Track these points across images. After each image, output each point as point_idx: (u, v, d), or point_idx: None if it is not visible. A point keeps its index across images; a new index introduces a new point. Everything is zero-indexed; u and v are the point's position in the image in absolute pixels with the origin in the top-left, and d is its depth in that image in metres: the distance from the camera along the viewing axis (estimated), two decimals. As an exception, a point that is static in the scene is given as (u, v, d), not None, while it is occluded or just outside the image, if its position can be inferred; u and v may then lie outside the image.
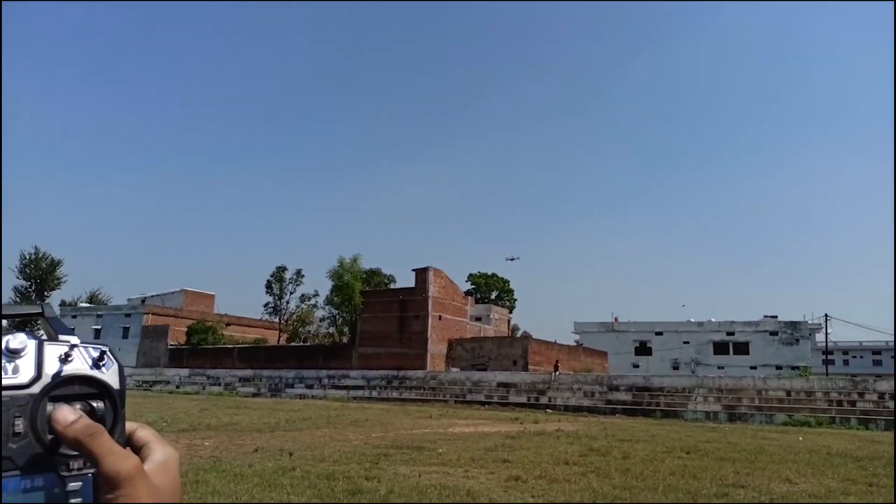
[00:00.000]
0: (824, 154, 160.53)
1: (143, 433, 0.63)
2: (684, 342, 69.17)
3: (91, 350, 0.61)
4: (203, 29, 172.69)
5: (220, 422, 21.82)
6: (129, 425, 0.62)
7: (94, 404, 0.59)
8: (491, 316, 63.25)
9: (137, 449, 0.62)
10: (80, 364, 0.59)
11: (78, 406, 0.58)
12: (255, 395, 47.11)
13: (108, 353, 0.62)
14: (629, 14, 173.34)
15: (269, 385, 49.58)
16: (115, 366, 0.61)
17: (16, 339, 0.57)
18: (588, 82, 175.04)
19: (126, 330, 64.94)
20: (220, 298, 79.56)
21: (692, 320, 71.06)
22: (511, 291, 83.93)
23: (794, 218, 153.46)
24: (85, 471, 0.56)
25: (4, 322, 0.63)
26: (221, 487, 9.19)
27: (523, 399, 38.62)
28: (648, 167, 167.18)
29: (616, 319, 73.90)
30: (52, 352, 0.58)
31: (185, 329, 63.06)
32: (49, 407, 0.56)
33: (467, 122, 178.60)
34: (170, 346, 61.51)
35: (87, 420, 0.56)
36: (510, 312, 74.42)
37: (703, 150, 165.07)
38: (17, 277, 77.87)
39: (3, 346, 0.56)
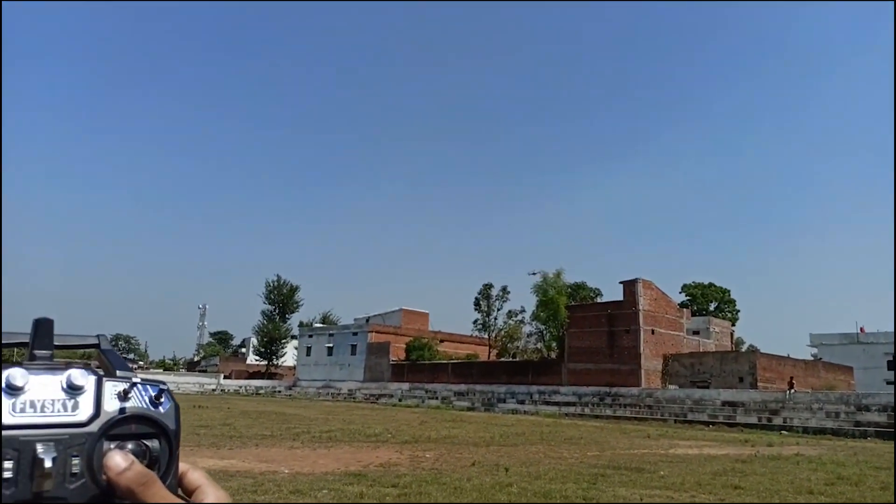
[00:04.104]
0: None
1: (195, 475, 0.62)
2: (953, 354, 58.36)
3: (149, 388, 0.59)
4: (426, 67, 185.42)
5: (438, 434, 22.78)
6: (182, 466, 0.61)
7: (149, 444, 0.58)
8: (710, 329, 58.88)
9: (189, 491, 0.61)
10: (138, 402, 0.58)
11: (131, 446, 0.56)
12: (469, 409, 48.59)
13: (167, 391, 0.60)
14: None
15: (482, 399, 50.87)
16: (172, 405, 0.60)
17: (78, 375, 0.55)
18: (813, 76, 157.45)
19: (354, 347, 70.71)
20: (434, 316, 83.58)
21: (963, 328, 59.71)
22: (732, 302, 77.48)
23: None
24: None
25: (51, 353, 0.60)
26: (443, 500, 9.52)
27: (753, 419, 35.25)
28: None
29: (862, 330, 64.66)
30: (111, 389, 0.57)
31: (404, 345, 67.14)
32: (106, 446, 0.55)
33: (680, 116, 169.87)
34: (391, 362, 65.84)
35: (139, 467, 0.55)
36: (733, 325, 68.62)
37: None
38: (264, 302, 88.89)
39: (66, 381, 0.54)
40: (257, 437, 19.98)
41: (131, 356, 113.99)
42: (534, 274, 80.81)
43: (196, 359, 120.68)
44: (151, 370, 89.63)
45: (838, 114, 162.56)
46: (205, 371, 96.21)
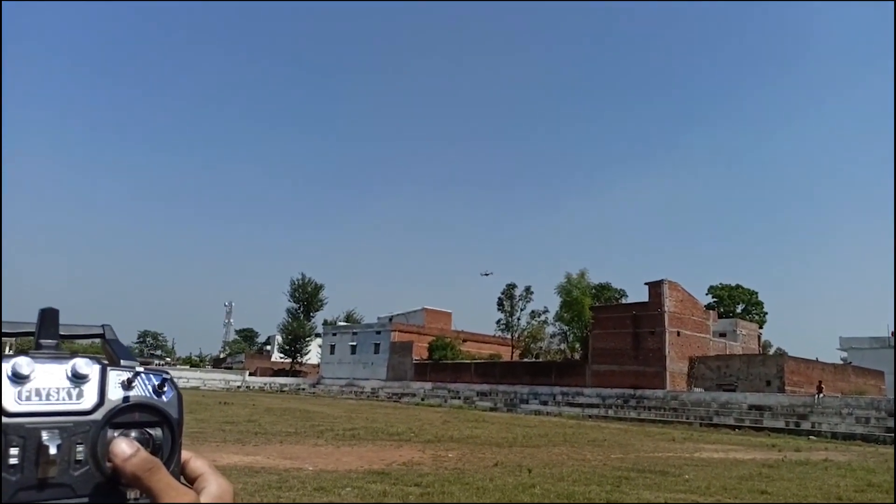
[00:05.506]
0: None
1: (197, 463, 0.63)
2: None
3: (153, 377, 0.60)
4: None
5: (461, 434, 22.80)
6: (185, 454, 0.62)
7: (152, 432, 0.58)
8: (737, 331, 58.02)
9: (192, 479, 0.62)
10: (141, 391, 0.59)
11: (134, 434, 0.57)
12: (492, 409, 48.52)
13: (170, 381, 0.61)
14: None
15: (504, 400, 50.76)
16: (175, 394, 0.61)
17: (83, 364, 0.56)
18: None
19: (377, 346, 71.01)
20: (457, 316, 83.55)
21: None
22: (760, 304, 76.28)
23: None
24: (142, 500, 0.56)
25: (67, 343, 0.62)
26: (466, 500, 9.54)
27: (780, 423, 34.72)
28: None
29: (893, 334, 63.27)
30: (115, 378, 0.58)
31: (427, 345, 67.21)
32: (110, 433, 0.56)
33: (708, 116, 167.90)
34: (414, 361, 65.97)
35: (144, 454, 0.56)
36: (760, 327, 67.52)
37: None
38: (289, 301, 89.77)
39: (71, 369, 0.56)
40: (282, 433, 20.18)
41: (158, 353, 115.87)
42: (486, 275, 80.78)
43: (222, 356, 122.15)
44: (178, 367, 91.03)
45: (873, 109, 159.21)
46: (230, 368, 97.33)
